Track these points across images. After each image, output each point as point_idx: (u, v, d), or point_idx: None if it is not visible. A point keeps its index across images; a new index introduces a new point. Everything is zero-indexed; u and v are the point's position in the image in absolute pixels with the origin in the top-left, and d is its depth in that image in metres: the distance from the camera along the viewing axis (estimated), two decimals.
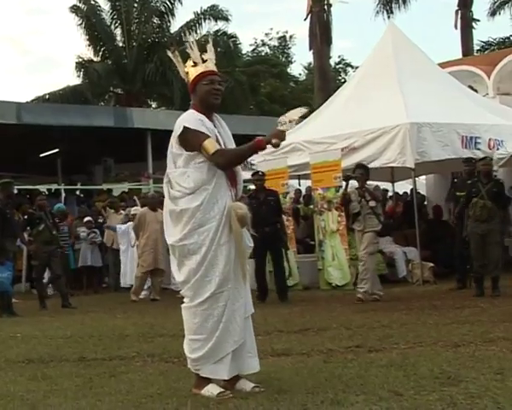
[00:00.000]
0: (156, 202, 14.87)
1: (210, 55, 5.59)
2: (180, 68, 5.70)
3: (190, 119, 5.42)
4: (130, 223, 16.28)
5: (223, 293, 5.30)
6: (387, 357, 6.48)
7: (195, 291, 5.34)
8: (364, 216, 12.33)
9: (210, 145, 5.30)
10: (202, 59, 5.57)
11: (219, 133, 5.49)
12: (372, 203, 12.31)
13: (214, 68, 5.57)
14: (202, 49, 5.60)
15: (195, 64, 5.58)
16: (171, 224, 5.44)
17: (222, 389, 5.26)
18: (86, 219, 18.34)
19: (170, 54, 5.84)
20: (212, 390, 5.26)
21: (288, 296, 12.73)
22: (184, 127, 5.35)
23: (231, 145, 5.54)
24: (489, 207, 11.77)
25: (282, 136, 5.38)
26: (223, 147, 5.41)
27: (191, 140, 5.34)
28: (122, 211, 18.31)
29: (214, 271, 5.30)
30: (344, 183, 13.03)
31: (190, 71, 5.59)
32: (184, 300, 5.44)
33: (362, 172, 12.49)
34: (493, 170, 13.25)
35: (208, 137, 5.33)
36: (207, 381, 5.33)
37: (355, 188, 12.68)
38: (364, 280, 12.13)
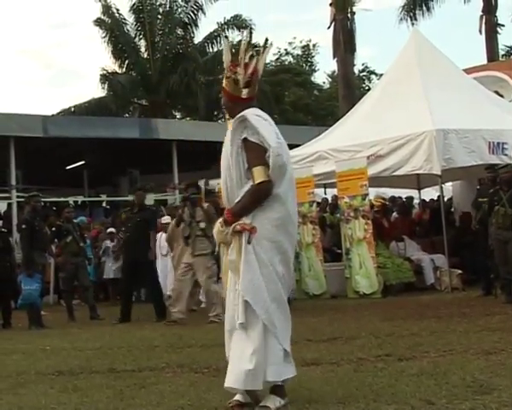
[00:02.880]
0: None
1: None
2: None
3: None
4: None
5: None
6: (418, 366, 6.43)
7: None
8: (194, 239, 12.03)
9: None
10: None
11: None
12: (202, 225, 11.99)
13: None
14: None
15: None
16: None
17: (233, 399, 5.21)
18: (109, 230, 18.41)
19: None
20: (235, 398, 5.25)
21: None
22: None
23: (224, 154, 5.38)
24: (510, 215, 11.72)
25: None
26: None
27: None
28: None
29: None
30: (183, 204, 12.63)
31: None
32: None
33: (195, 190, 12.34)
34: None
35: None
36: None
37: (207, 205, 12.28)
38: (214, 305, 11.88)
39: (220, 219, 5.31)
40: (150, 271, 13.41)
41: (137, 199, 13.79)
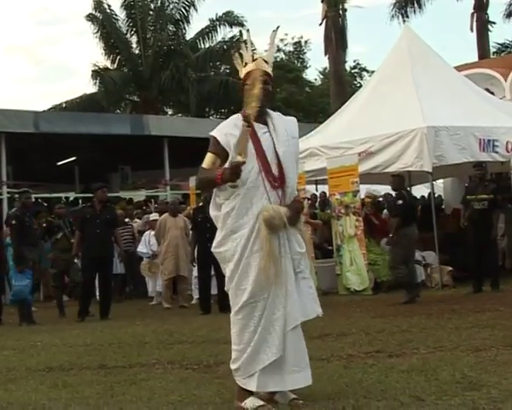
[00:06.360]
0: (176, 208, 14.99)
1: (263, 52, 5.46)
2: (240, 71, 5.43)
3: (224, 124, 5.34)
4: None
5: (258, 303, 5.08)
6: (408, 362, 6.45)
7: (233, 300, 5.19)
8: None
9: (206, 159, 5.30)
10: (253, 58, 5.34)
11: (264, 137, 5.24)
12: None
13: (262, 67, 5.31)
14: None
15: (246, 64, 5.38)
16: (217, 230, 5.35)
17: (261, 403, 5.02)
18: None
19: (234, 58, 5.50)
20: (250, 404, 5.03)
21: None
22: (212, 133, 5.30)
23: (284, 148, 5.24)
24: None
25: (236, 172, 5.01)
26: (252, 153, 5.13)
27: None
28: (137, 219, 18.38)
29: (248, 279, 5.08)
30: None
31: (241, 72, 5.39)
32: None
33: None
34: None
35: (214, 151, 5.25)
36: (248, 393, 5.10)
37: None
38: None
39: (282, 208, 5.25)
40: (111, 268, 13.53)
41: (101, 196, 13.26)
